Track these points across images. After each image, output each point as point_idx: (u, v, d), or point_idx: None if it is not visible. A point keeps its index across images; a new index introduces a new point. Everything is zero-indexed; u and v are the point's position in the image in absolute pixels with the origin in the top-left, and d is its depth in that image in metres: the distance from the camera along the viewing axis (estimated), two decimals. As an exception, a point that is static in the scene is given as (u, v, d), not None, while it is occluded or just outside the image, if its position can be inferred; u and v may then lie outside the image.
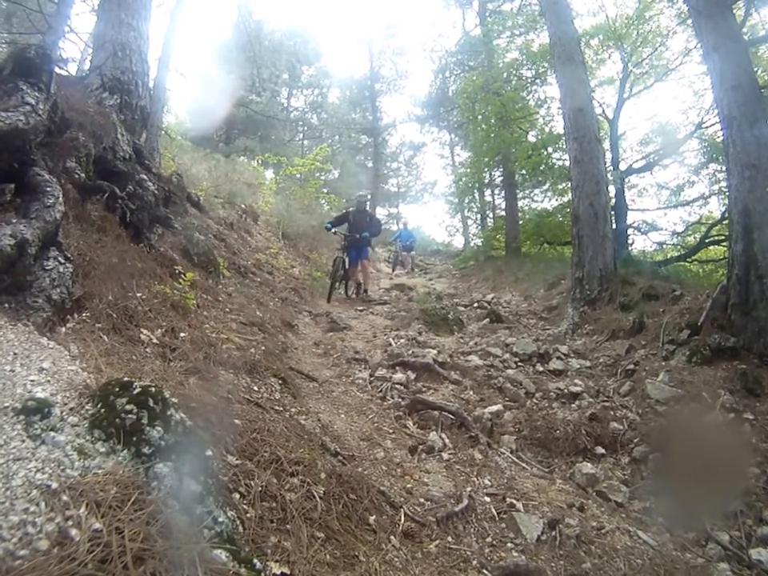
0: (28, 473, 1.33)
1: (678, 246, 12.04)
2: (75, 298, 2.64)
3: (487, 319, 6.94)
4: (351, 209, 9.80)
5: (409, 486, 2.68)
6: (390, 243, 19.59)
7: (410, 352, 4.94)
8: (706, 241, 10.61)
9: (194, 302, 3.86)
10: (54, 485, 1.32)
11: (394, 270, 16.11)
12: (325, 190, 18.34)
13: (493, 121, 14.00)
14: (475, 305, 8.50)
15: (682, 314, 4.86)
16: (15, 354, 1.87)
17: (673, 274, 7.85)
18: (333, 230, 9.08)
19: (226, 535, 1.53)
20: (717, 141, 9.46)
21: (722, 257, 9.76)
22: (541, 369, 4.91)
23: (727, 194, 5.39)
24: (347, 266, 9.00)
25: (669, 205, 12.53)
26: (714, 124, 10.03)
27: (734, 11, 5.47)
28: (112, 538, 1.22)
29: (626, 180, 11.54)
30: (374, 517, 2.16)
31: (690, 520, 2.66)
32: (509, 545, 2.31)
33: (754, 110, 4.48)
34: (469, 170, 17.53)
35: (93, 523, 1.25)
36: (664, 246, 12.50)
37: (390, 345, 5.27)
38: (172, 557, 1.26)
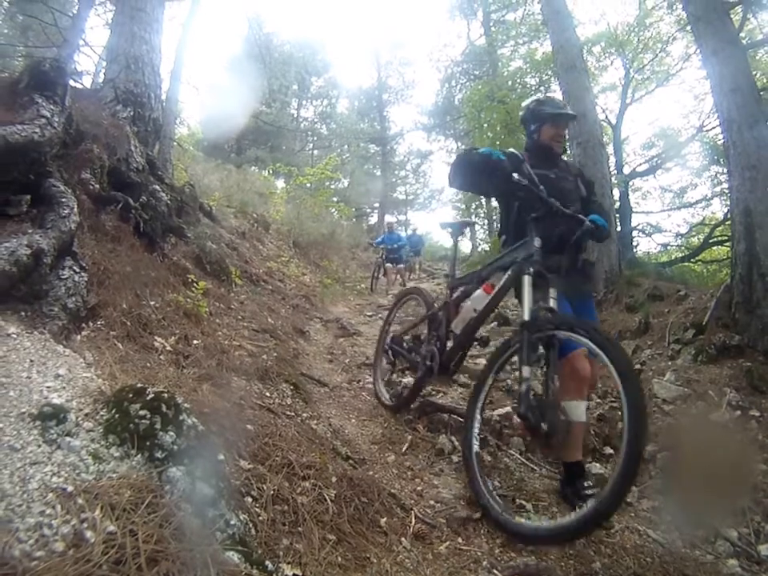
0: (44, 476, 1.35)
1: (682, 247, 12.13)
2: (90, 306, 2.68)
3: (495, 323, 6.91)
4: None
5: (419, 488, 2.67)
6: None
7: (420, 356, 4.93)
8: (710, 241, 10.64)
9: (207, 309, 3.89)
10: (70, 488, 1.34)
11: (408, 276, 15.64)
12: (335, 199, 18.46)
13: (498, 128, 14.12)
14: (483, 308, 8.45)
15: (686, 313, 4.88)
16: (32, 361, 1.89)
17: (677, 275, 7.86)
18: None
19: (238, 537, 1.54)
20: (718, 143, 9.49)
21: (725, 257, 9.76)
22: (548, 370, 4.88)
23: (729, 195, 5.42)
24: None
25: (672, 207, 12.68)
26: (714, 127, 10.14)
27: (732, 16, 5.51)
28: (126, 539, 1.24)
29: (630, 183, 11.63)
30: (384, 519, 2.16)
31: (698, 517, 2.64)
32: (519, 545, 2.29)
33: (753, 112, 4.55)
34: (475, 177, 17.51)
35: (107, 525, 1.26)
36: (668, 248, 12.59)
37: (400, 350, 5.26)
38: (185, 558, 1.28)
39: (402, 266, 13.41)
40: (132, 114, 5.12)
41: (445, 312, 3.41)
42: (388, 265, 12.75)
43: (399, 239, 13.63)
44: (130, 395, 1.77)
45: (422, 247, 17.64)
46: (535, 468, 3.17)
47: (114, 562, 1.18)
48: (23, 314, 2.23)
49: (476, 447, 2.58)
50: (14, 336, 2.00)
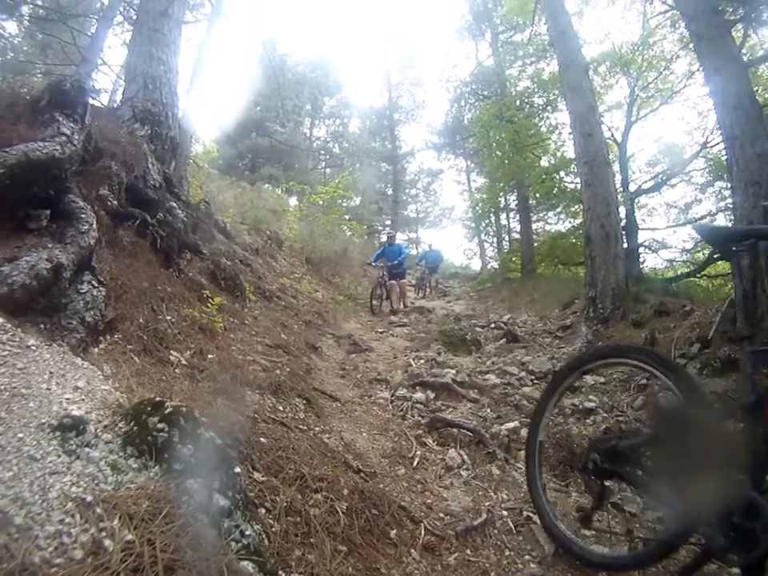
0: (64, 486, 1.37)
1: (688, 263, 12.13)
2: (108, 320, 2.72)
3: (504, 339, 6.97)
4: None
5: (429, 501, 2.68)
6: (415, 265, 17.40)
7: (430, 372, 4.97)
8: (714, 256, 10.55)
9: (222, 325, 3.94)
10: (89, 498, 1.36)
11: (419, 293, 15.68)
12: (347, 217, 18.62)
13: (507, 147, 14.33)
14: (492, 325, 8.51)
15: (692, 328, 4.90)
16: (51, 372, 1.92)
17: (683, 290, 7.87)
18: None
19: (252, 548, 1.56)
20: (721, 159, 9.52)
21: (729, 271, 9.68)
22: (556, 386, 4.88)
23: (732, 210, 5.48)
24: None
25: (678, 223, 12.75)
26: (718, 143, 10.15)
27: (733, 33, 5.55)
28: (144, 548, 1.26)
29: (636, 200, 11.67)
30: (395, 531, 2.17)
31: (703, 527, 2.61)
32: (526, 557, 2.30)
33: (755, 129, 4.62)
34: (485, 195, 17.88)
35: (126, 534, 1.28)
36: (674, 263, 12.62)
37: (410, 365, 5.31)
38: (201, 567, 1.29)
39: (404, 280, 11.85)
40: (149, 132, 5.22)
41: (759, 422, 1.78)
42: (392, 281, 11.02)
43: (400, 253, 11.72)
44: (149, 408, 1.80)
45: (440, 264, 17.57)
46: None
47: (131, 570, 1.19)
48: (42, 326, 2.26)
49: None
50: (34, 348, 2.03)
